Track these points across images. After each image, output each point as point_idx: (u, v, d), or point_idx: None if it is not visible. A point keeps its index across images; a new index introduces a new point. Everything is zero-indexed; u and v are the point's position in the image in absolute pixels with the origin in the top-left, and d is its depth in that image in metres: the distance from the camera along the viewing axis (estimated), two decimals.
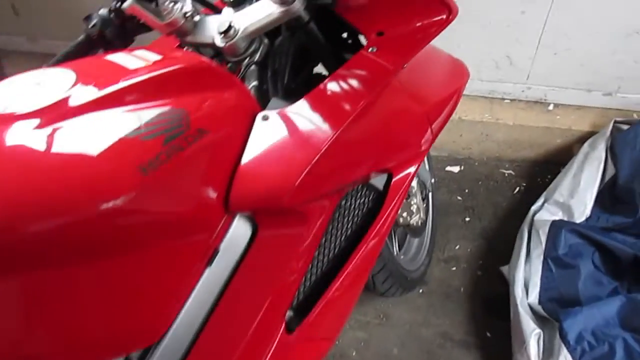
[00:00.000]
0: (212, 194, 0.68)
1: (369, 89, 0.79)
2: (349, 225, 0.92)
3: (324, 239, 0.88)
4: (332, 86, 0.79)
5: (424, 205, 1.47)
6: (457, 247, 1.75)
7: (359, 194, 0.92)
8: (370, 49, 0.83)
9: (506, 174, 2.00)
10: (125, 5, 0.82)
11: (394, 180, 0.95)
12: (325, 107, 0.76)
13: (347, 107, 0.76)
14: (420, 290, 1.63)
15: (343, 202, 0.89)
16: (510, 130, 1.97)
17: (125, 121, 0.61)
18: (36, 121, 0.58)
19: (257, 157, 0.71)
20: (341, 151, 0.76)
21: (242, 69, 0.86)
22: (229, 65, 0.87)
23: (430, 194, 1.60)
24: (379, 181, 0.94)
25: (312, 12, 0.85)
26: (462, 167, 2.04)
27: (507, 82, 1.97)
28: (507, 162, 2.04)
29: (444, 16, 0.87)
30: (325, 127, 0.74)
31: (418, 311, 1.59)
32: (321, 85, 0.79)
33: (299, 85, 0.93)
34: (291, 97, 0.83)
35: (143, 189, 0.58)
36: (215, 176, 0.68)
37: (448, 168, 2.04)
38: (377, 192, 0.95)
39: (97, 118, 0.60)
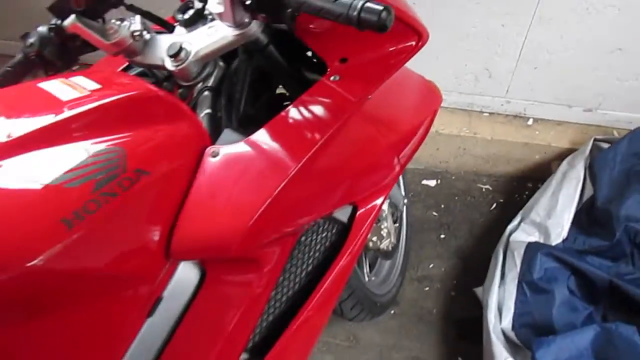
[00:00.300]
0: (151, 243, 0.61)
1: (329, 123, 0.73)
2: (310, 261, 0.87)
3: (281, 278, 0.82)
4: (289, 119, 0.73)
5: (396, 227, 1.42)
6: (431, 265, 1.71)
7: (321, 229, 0.86)
8: (332, 77, 0.77)
9: (483, 189, 1.96)
10: (66, 23, 0.74)
11: (358, 213, 0.89)
12: (281, 142, 0.70)
13: (304, 143, 0.70)
14: (392, 312, 1.58)
15: (303, 239, 0.83)
16: (489, 145, 1.92)
17: (49, 165, 0.55)
18: None
19: (202, 200, 0.64)
20: (297, 191, 0.70)
21: (195, 95, 0.80)
22: (180, 90, 0.80)
23: (403, 215, 1.54)
24: (343, 213, 0.88)
25: (270, 35, 0.79)
26: (439, 181, 2.00)
27: (487, 95, 1.92)
28: (484, 177, 2.00)
29: (413, 42, 0.81)
30: (279, 165, 0.68)
31: (389, 333, 1.54)
32: (278, 117, 0.73)
33: (258, 111, 0.87)
34: (248, 125, 0.77)
35: (67, 245, 0.52)
36: (154, 223, 0.62)
37: (424, 182, 1.99)
38: (341, 225, 0.89)
39: (18, 162, 0.54)
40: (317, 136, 0.71)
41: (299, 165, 0.68)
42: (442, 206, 1.90)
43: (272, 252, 0.73)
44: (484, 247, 1.68)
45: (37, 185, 0.52)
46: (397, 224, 1.45)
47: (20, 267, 0.49)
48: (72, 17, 0.74)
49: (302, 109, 0.74)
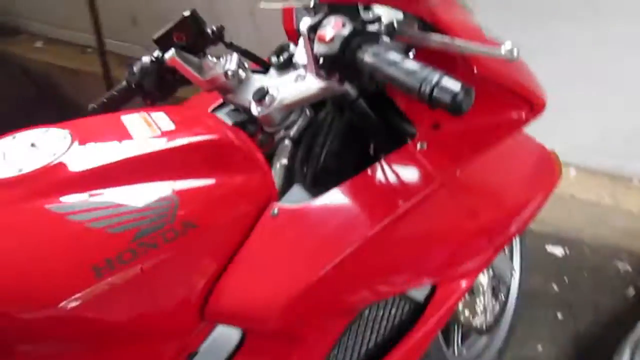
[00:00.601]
0: (187, 301, 0.59)
1: (404, 197, 0.65)
2: (374, 337, 0.79)
3: (335, 351, 0.75)
4: (361, 185, 0.67)
5: (498, 303, 1.26)
6: (540, 347, 1.50)
7: (390, 305, 0.78)
8: (419, 145, 0.69)
9: (621, 269, 1.68)
10: (166, 56, 0.77)
11: (437, 293, 0.79)
12: (347, 211, 0.64)
13: (371, 215, 0.64)
14: None
15: (366, 313, 0.76)
16: (635, 219, 1.65)
17: (98, 206, 0.55)
18: (12, 192, 0.54)
19: (249, 263, 0.61)
20: (357, 268, 0.63)
21: (275, 142, 0.77)
22: (261, 136, 0.78)
23: (512, 286, 1.37)
24: (419, 292, 0.79)
25: (361, 89, 0.73)
26: (567, 251, 1.76)
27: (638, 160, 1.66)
28: (625, 254, 1.72)
29: (523, 113, 0.70)
30: (339, 238, 0.62)
31: None
32: (350, 181, 0.67)
33: (343, 165, 0.82)
34: (328, 179, 0.72)
35: (93, 293, 0.51)
36: (193, 280, 0.59)
37: (549, 248, 1.77)
38: (416, 304, 0.80)
39: (72, 199, 0.55)
40: (387, 210, 0.64)
41: (360, 242, 0.61)
42: (567, 280, 1.66)
43: (321, 328, 0.67)
44: (609, 340, 1.43)
45: (81, 224, 0.53)
46: (501, 297, 1.29)
47: (46, 307, 0.49)
48: (172, 51, 0.76)
49: (378, 175, 0.68)
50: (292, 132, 0.76)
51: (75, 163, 0.57)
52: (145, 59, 0.82)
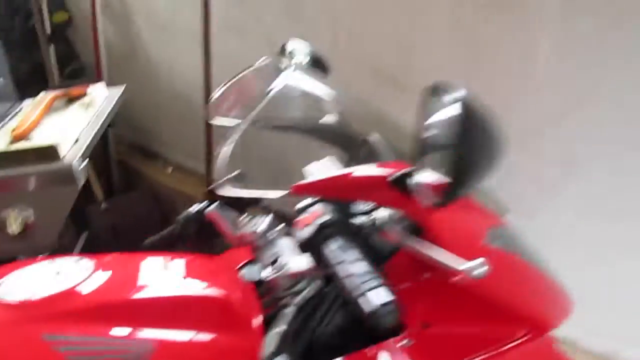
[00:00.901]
0: None
1: None
2: None
3: None
4: None
5: None
6: None
7: None
8: (405, 341, 0.67)
9: None
10: (208, 209, 0.85)
11: None
12: None
13: None
14: None
15: None
16: None
17: (81, 340, 0.61)
18: (14, 313, 0.62)
19: None
20: None
21: (278, 307, 0.79)
22: (267, 299, 0.81)
23: None
24: None
25: None
26: None
27: None
28: None
29: (523, 331, 0.66)
30: None
31: None
32: None
33: (333, 346, 0.80)
34: (321, 354, 0.72)
35: None
36: None
37: None
38: None
39: (62, 330, 0.62)
40: None
41: None
42: None
43: None
44: None
45: (60, 356, 0.58)
46: None
47: None
48: (215, 204, 0.84)
49: None
50: (297, 299, 0.78)
51: (80, 296, 0.64)
52: (192, 209, 0.92)
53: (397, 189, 0.61)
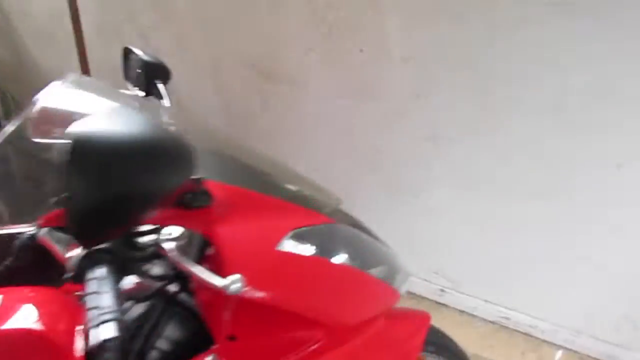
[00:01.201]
0: None
1: None
2: None
3: None
4: None
5: None
6: None
7: None
8: (210, 357, 0.65)
9: None
10: (39, 233, 0.79)
11: None
12: None
13: None
14: None
15: None
16: None
17: None
18: None
19: None
20: None
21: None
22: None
23: None
24: None
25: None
26: None
27: (634, 350, 1.45)
28: None
29: (320, 333, 0.65)
30: None
31: None
32: None
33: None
34: None
35: None
36: None
37: None
38: None
39: None
40: None
41: None
42: None
43: None
44: None
45: None
46: None
47: None
48: (45, 229, 0.78)
49: None
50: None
51: None
52: (23, 236, 0.85)
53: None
